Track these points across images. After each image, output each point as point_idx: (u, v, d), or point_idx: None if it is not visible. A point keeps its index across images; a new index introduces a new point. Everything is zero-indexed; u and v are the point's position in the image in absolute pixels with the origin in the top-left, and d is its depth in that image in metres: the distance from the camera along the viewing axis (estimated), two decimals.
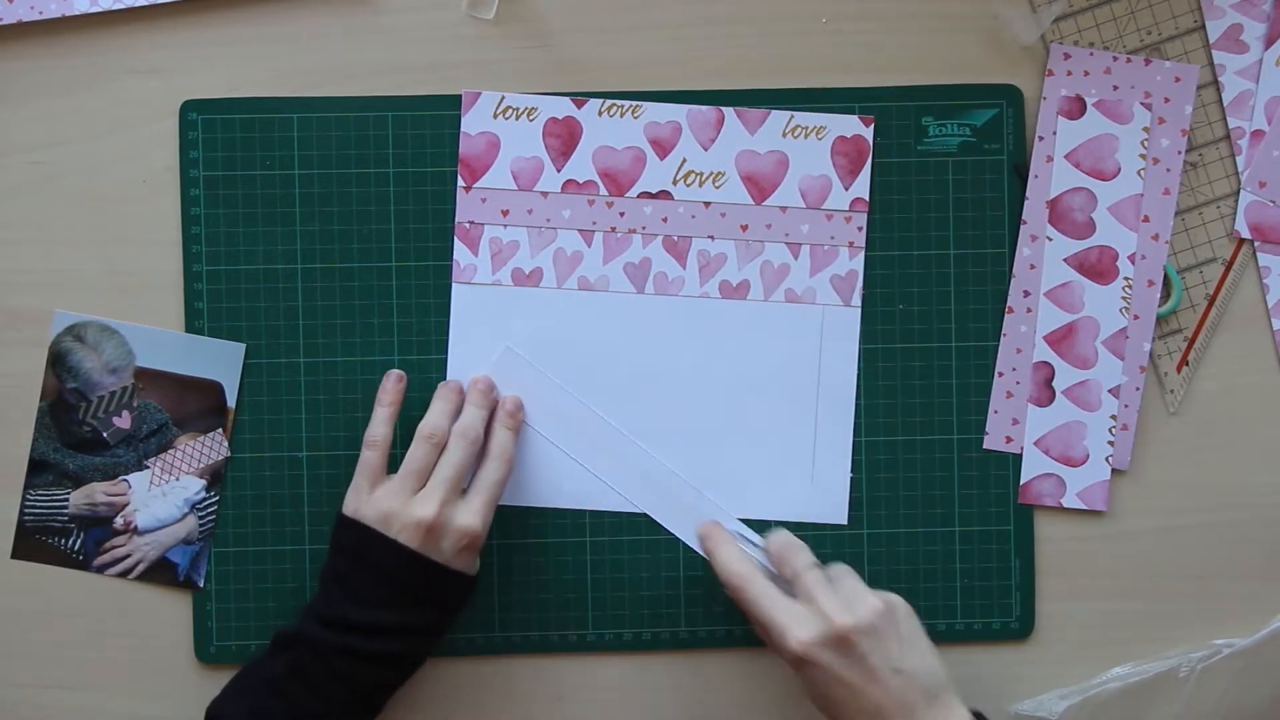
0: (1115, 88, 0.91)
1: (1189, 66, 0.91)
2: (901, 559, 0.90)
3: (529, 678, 0.90)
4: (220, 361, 0.88)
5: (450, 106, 0.89)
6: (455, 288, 0.89)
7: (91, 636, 0.89)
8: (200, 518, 0.88)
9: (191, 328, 0.89)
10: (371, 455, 0.85)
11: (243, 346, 0.88)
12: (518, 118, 0.89)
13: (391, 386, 0.87)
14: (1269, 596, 0.91)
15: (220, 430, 0.88)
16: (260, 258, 0.89)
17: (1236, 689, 0.89)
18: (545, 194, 0.89)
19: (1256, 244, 0.92)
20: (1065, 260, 0.91)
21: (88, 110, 0.89)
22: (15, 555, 0.88)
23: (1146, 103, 0.90)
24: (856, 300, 0.90)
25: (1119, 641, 0.91)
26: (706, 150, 0.90)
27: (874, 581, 0.90)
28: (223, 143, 0.89)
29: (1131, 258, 0.90)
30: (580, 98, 0.89)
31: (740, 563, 0.83)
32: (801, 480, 0.90)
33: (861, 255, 0.90)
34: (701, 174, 0.90)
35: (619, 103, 0.89)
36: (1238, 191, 0.91)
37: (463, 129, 0.89)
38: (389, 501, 0.83)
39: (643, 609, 0.90)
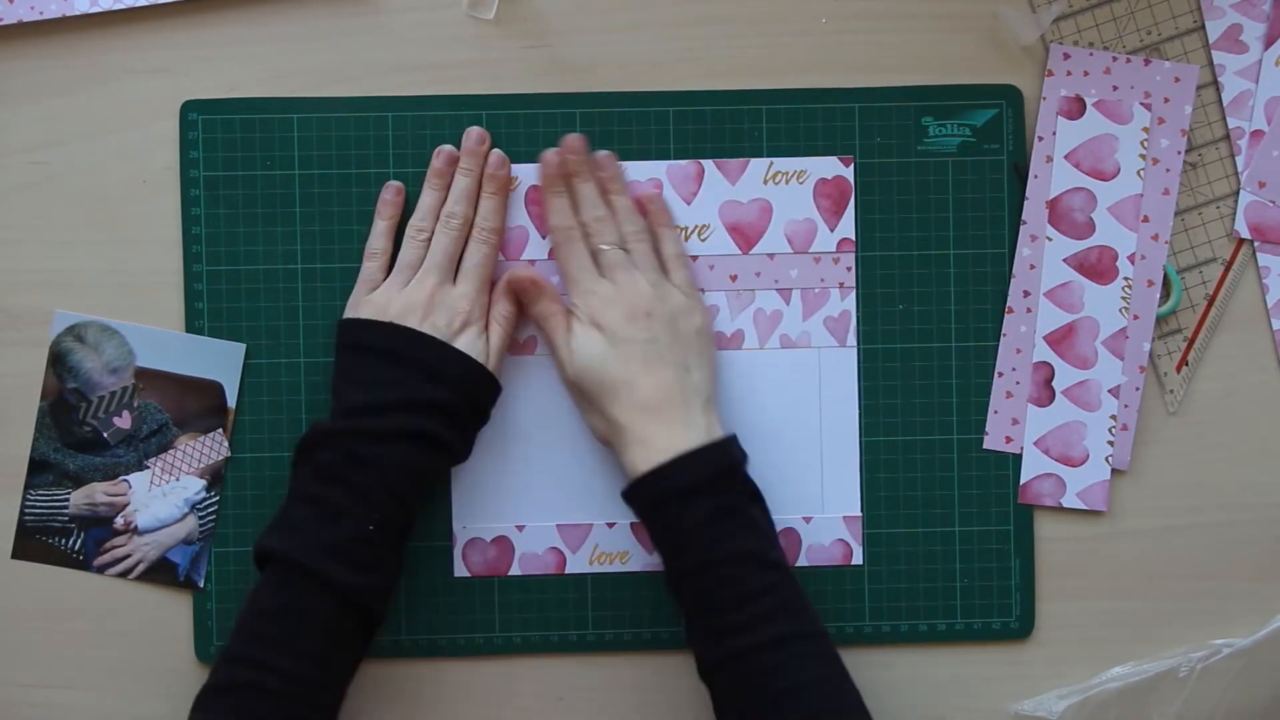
0: (1115, 88, 0.91)
1: (1189, 66, 0.91)
2: (901, 559, 0.90)
3: (529, 678, 0.90)
4: (220, 361, 0.88)
5: (450, 106, 0.89)
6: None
7: (91, 636, 0.89)
8: (200, 518, 0.88)
9: (191, 328, 0.89)
10: (371, 265, 0.87)
11: (243, 347, 0.88)
12: None
13: (390, 199, 0.88)
14: (1269, 596, 0.91)
15: (220, 430, 0.88)
16: (260, 258, 0.89)
17: (1236, 689, 0.89)
18: (533, 262, 0.89)
19: (1256, 244, 0.92)
20: (1065, 260, 0.91)
21: (88, 110, 0.89)
22: (15, 555, 0.88)
23: (1146, 103, 0.91)
24: (852, 340, 0.90)
25: (1119, 641, 0.91)
26: (689, 204, 0.90)
27: (874, 581, 0.90)
28: (223, 143, 0.89)
29: (1131, 258, 0.91)
30: None
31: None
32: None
33: (853, 295, 0.90)
34: (686, 228, 0.90)
35: None
36: (1237, 191, 0.91)
37: None
38: (383, 296, 0.85)
39: (643, 609, 0.90)
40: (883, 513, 0.90)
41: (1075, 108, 0.90)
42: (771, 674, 0.78)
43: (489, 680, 0.90)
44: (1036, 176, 0.91)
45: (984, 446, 0.91)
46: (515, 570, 0.90)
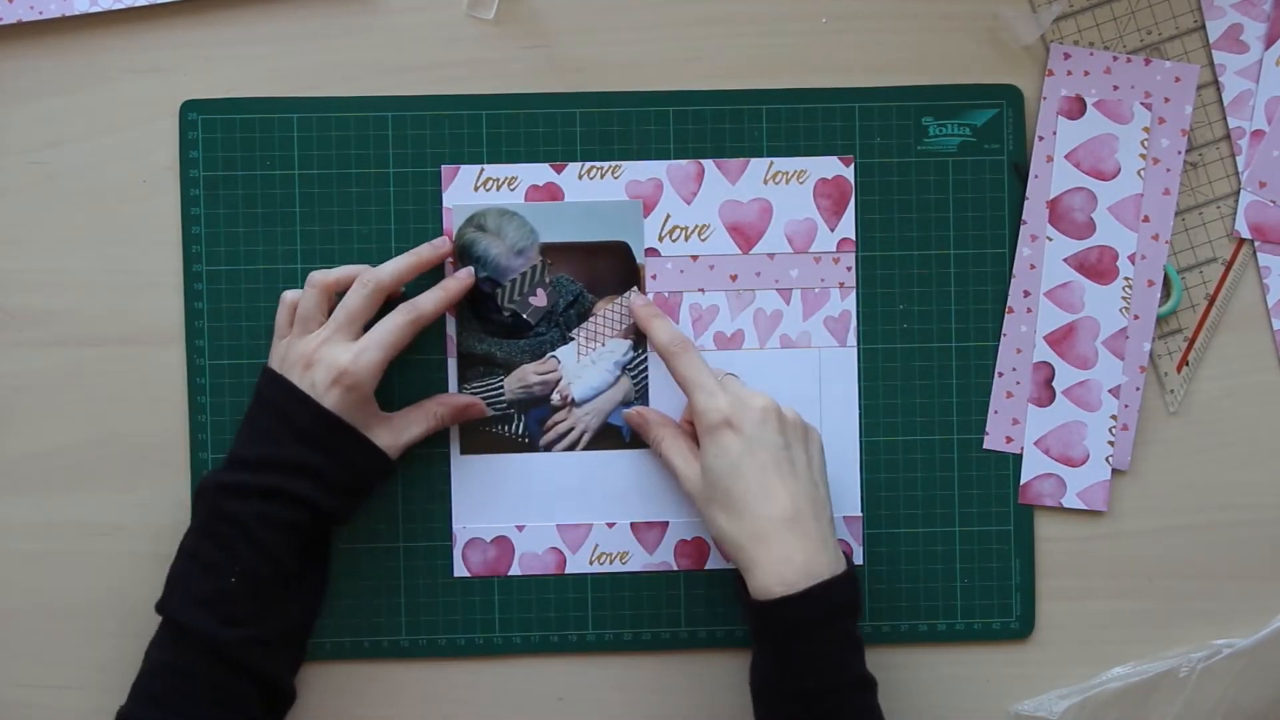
0: (1115, 88, 0.91)
1: (1189, 66, 0.91)
2: (902, 559, 0.90)
3: (529, 678, 0.90)
4: (622, 221, 0.89)
5: (450, 106, 0.89)
6: (449, 361, 0.89)
7: (91, 636, 0.89)
8: (634, 378, 0.89)
9: (191, 328, 0.89)
10: (281, 311, 0.86)
11: (639, 203, 0.88)
12: (499, 188, 0.89)
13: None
14: (1269, 596, 0.91)
15: (635, 288, 0.88)
16: (260, 258, 0.89)
17: (1236, 689, 0.89)
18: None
19: (1256, 244, 0.92)
20: (1065, 260, 0.91)
21: (87, 110, 0.89)
22: (465, 450, 0.89)
23: (1146, 103, 0.90)
24: (852, 340, 0.90)
25: (1119, 641, 0.91)
26: (689, 204, 0.90)
27: (874, 581, 0.90)
28: (223, 143, 0.89)
29: (1131, 258, 0.91)
30: (559, 162, 0.89)
31: (679, 333, 0.86)
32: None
33: (853, 295, 0.90)
34: (686, 228, 0.90)
35: (598, 165, 0.89)
36: (1238, 191, 0.91)
37: (444, 203, 0.89)
38: (281, 344, 0.85)
39: (643, 609, 0.90)
40: (883, 513, 0.90)
41: (1075, 107, 0.90)
42: None
43: (489, 680, 0.90)
44: (1036, 176, 0.91)
45: (984, 446, 0.91)
46: (515, 570, 0.90)
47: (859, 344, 0.90)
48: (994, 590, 0.90)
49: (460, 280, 0.86)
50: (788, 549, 0.79)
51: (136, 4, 0.88)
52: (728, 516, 0.80)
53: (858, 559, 0.90)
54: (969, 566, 0.90)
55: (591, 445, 0.89)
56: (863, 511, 0.90)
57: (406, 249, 0.89)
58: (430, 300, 0.85)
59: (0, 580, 0.89)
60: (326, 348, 0.82)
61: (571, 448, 0.89)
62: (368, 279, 0.84)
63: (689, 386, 0.83)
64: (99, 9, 0.88)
